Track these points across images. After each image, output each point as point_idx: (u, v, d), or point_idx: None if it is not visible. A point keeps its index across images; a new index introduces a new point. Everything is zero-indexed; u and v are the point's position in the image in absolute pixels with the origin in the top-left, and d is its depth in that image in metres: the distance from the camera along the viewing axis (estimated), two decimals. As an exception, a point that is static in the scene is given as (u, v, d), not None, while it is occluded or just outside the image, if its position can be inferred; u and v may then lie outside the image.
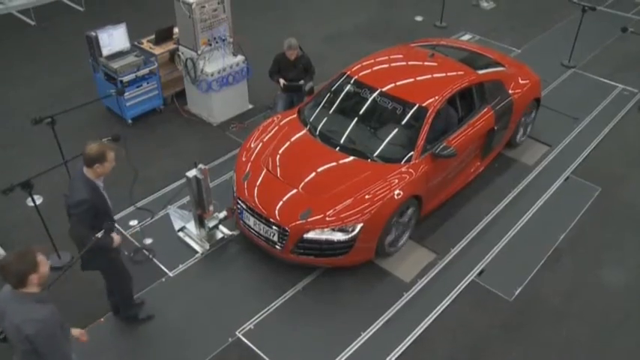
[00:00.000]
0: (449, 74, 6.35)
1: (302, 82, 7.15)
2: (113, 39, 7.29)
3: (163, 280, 5.48)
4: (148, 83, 7.57)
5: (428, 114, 5.80)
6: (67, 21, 10.70)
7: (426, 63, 6.60)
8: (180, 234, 5.99)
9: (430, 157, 5.70)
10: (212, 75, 7.38)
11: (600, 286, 5.49)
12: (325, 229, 5.21)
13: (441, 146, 5.70)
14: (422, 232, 6.01)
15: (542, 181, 6.77)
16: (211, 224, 5.73)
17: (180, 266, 5.61)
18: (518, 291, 5.39)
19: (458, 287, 5.43)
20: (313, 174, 5.60)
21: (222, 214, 5.82)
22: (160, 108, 7.97)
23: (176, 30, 7.79)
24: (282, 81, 7.18)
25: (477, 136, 6.24)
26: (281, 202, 5.40)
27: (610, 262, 5.75)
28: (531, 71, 7.29)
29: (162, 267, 5.60)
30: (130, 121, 7.67)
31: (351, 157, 5.70)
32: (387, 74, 6.44)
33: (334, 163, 5.70)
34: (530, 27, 10.60)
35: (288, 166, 5.74)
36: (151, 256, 5.69)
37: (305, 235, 5.22)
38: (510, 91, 6.75)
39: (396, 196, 5.31)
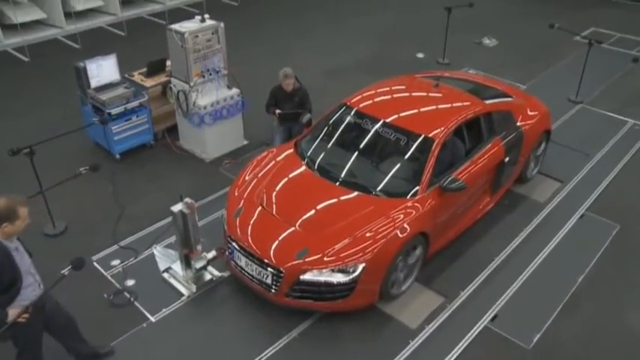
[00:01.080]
0: (455, 104, 6.01)
1: (300, 110, 6.80)
2: (102, 70, 6.99)
3: (144, 325, 4.96)
4: (137, 117, 7.22)
5: (434, 145, 5.41)
6: (62, 57, 10.49)
7: (430, 94, 6.27)
8: (165, 275, 5.50)
9: (437, 191, 5.28)
10: (205, 108, 7.04)
11: (624, 330, 4.97)
12: (323, 270, 4.73)
13: (449, 179, 5.28)
14: (428, 273, 5.52)
15: (556, 218, 6.33)
16: (199, 265, 5.25)
17: (164, 310, 5.10)
18: (536, 338, 4.86)
19: (470, 334, 4.90)
20: (311, 211, 5.16)
21: (211, 254, 5.35)
22: (151, 143, 7.60)
23: (169, 63, 7.52)
24: (277, 111, 6.84)
25: (486, 170, 5.83)
26: (276, 241, 4.95)
27: (634, 304, 5.24)
28: (540, 102, 6.96)
29: (144, 311, 5.09)
30: (117, 156, 7.28)
31: (353, 192, 5.28)
32: (389, 104, 6.10)
33: (334, 199, 5.28)
34: (535, 63, 10.37)
35: (284, 202, 5.32)
36: (132, 299, 5.19)
37: (301, 277, 4.74)
38: (520, 123, 6.39)
39: (401, 234, 4.86)
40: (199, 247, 5.27)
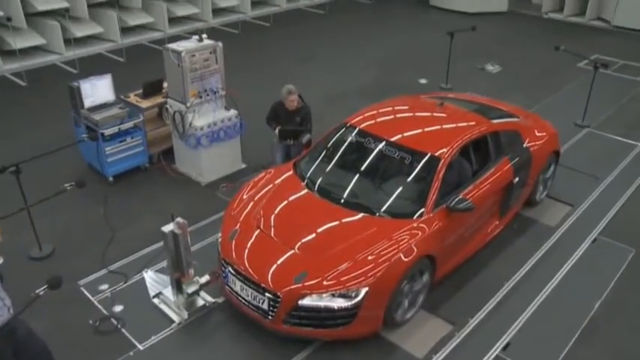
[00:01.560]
0: (460, 124, 5.79)
1: (302, 128, 6.58)
2: (97, 90, 6.81)
3: (131, 354, 4.61)
4: (132, 138, 7.00)
5: (440, 164, 5.17)
6: (59, 81, 10.33)
7: (434, 113, 6.05)
8: (156, 300, 5.18)
9: (444, 212, 5.01)
10: (202, 129, 6.83)
11: (649, 362, 4.64)
12: (324, 295, 4.42)
13: (457, 199, 5.01)
14: (435, 299, 5.19)
15: (568, 242, 6.04)
16: (190, 290, 4.93)
17: (153, 338, 4.76)
18: (553, 368, 4.53)
19: (481, 364, 4.57)
20: (311, 233, 4.88)
21: (204, 279, 5.04)
22: (145, 166, 7.36)
23: (166, 84, 7.35)
24: (278, 128, 6.60)
25: (494, 191, 5.57)
26: (273, 264, 4.65)
27: (656, 333, 4.91)
28: (548, 123, 6.75)
29: (132, 338, 4.75)
30: (111, 179, 7.03)
31: (355, 213, 5.00)
32: (392, 124, 5.89)
33: (335, 220, 5.00)
34: (539, 89, 10.22)
35: (283, 223, 5.04)
36: (119, 326, 4.86)
37: (300, 302, 4.43)
38: (528, 144, 6.16)
39: (406, 257, 4.57)
40: (192, 271, 4.97)
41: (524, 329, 4.90)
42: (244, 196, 5.44)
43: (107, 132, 6.71)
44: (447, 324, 4.97)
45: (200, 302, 5.10)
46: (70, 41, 11.59)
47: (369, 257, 4.55)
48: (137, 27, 12.80)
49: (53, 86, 10.14)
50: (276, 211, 5.16)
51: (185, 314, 4.97)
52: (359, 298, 4.42)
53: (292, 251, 4.72)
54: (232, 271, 4.79)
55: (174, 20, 13.29)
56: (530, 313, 5.07)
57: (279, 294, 4.45)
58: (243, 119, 7.23)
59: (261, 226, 4.99)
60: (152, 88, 7.38)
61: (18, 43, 10.78)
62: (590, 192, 6.92)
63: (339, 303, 4.42)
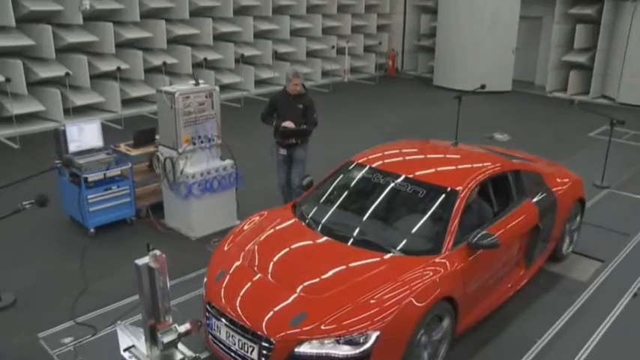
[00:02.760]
0: (477, 162, 5.25)
1: (304, 126, 6.25)
2: (84, 135, 6.37)
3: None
4: (118, 187, 6.47)
5: (459, 198, 4.59)
6: (53, 145, 9.99)
7: (448, 154, 5.56)
8: (126, 354, 4.36)
9: (465, 250, 4.36)
10: (193, 177, 6.30)
11: None
12: (325, 341, 3.67)
13: (480, 234, 4.36)
14: (457, 357, 4.40)
15: (604, 298, 5.30)
16: (167, 339, 4.11)
17: (118, 400, 3.95)
18: None
19: None
20: (313, 272, 4.20)
21: (184, 327, 4.22)
22: (131, 219, 6.75)
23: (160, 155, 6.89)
24: (283, 124, 6.27)
25: (519, 233, 4.94)
26: (265, 306, 3.95)
27: None
28: (570, 171, 6.22)
29: (92, 399, 3.95)
30: (92, 230, 6.40)
31: (364, 251, 4.35)
32: (404, 161, 5.43)
33: (341, 260, 4.33)
34: (551, 156, 9.62)
35: (280, 263, 4.38)
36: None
37: (296, 350, 3.67)
38: (551, 187, 5.60)
39: (424, 296, 3.88)
40: (169, 318, 4.22)
41: (567, 392, 4.07)
42: (236, 237, 4.81)
43: (91, 177, 6.19)
44: (473, 386, 4.16)
45: (178, 356, 4.29)
46: (69, 110, 11.41)
47: (382, 297, 3.84)
48: (138, 99, 12.71)
49: (45, 150, 9.77)
50: (272, 251, 4.51)
51: (159, 371, 4.15)
52: (369, 344, 3.66)
53: (289, 292, 4.02)
54: (217, 316, 4.06)
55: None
56: (570, 373, 4.26)
57: (271, 339, 3.70)
58: (240, 171, 6.73)
59: (255, 267, 4.33)
60: (144, 138, 6.94)
61: (17, 109, 10.57)
62: (621, 248, 6.25)
63: (344, 351, 3.66)
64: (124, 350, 4.39)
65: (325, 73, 16.25)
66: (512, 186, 5.20)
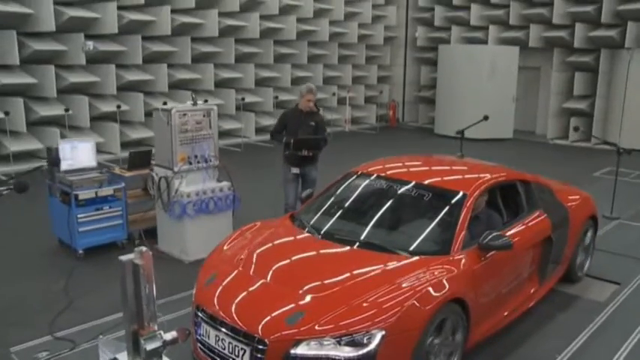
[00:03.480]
0: (484, 172, 5.02)
1: (320, 136, 6.17)
2: (77, 153, 6.18)
3: None
4: (110, 207, 6.21)
5: (467, 200, 4.36)
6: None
7: (454, 166, 5.37)
8: (106, 368, 4.00)
9: (477, 252, 4.06)
10: (188, 196, 6.06)
11: None
12: (325, 340, 3.32)
13: (492, 235, 4.08)
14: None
15: (625, 317, 4.94)
16: (150, 346, 3.73)
17: (92, 410, 3.54)
18: None
19: None
20: (313, 273, 3.94)
21: (170, 335, 3.85)
22: (123, 242, 6.45)
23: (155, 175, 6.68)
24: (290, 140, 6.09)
25: (531, 241, 4.66)
26: (257, 305, 3.63)
27: None
28: (579, 189, 5.99)
29: (63, 412, 3.54)
30: (80, 252, 6.09)
31: (369, 253, 4.09)
32: (410, 171, 5.19)
33: (344, 260, 4.08)
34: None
35: (278, 265, 4.08)
36: (48, 396, 3.66)
37: (292, 351, 3.32)
38: (562, 201, 5.36)
39: (434, 292, 3.56)
40: (154, 326, 3.87)
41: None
42: (230, 243, 4.52)
43: (82, 195, 5.94)
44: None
45: (163, 368, 3.91)
46: (67, 150, 11.28)
47: (387, 295, 3.53)
48: (138, 141, 12.63)
49: (40, 186, 9.58)
50: (269, 255, 4.24)
51: (141, 382, 3.76)
52: (373, 345, 3.31)
53: (285, 292, 3.73)
54: (206, 319, 3.72)
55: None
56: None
57: (265, 340, 3.35)
58: (237, 193, 6.49)
59: (250, 270, 4.02)
60: (139, 160, 6.74)
61: (15, 146, 10.47)
62: (638, 271, 5.92)
63: (345, 353, 3.31)
64: (104, 363, 4.01)
65: (326, 123, 16.26)
66: (523, 196, 4.97)
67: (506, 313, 4.41)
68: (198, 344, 3.81)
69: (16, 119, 10.45)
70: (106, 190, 6.15)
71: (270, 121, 14.82)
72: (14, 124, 10.47)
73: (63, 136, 11.17)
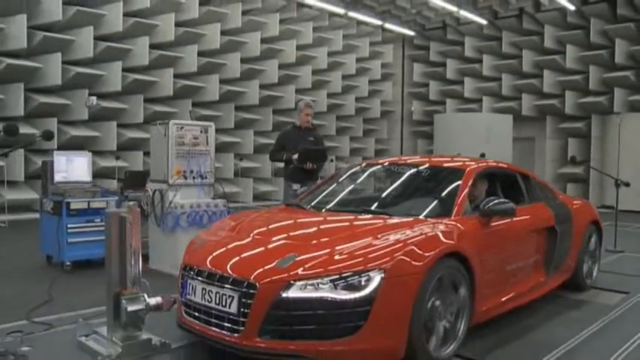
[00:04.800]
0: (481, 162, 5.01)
1: (323, 147, 6.24)
2: (72, 166, 6.14)
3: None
4: (101, 220, 6.03)
5: (466, 173, 4.33)
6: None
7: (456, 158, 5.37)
8: (83, 339, 3.70)
9: (479, 219, 3.96)
10: (182, 207, 5.95)
11: None
12: (319, 283, 3.11)
13: (493, 201, 3.99)
14: (478, 336, 3.74)
15: (634, 317, 4.66)
16: (132, 307, 3.52)
17: (63, 370, 3.25)
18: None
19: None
20: (311, 228, 3.86)
21: (155, 301, 3.66)
22: (112, 260, 6.22)
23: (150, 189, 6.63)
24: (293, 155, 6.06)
25: (534, 223, 4.57)
26: (248, 255, 3.45)
27: None
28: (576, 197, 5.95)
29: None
30: (67, 264, 5.85)
31: (367, 217, 4.03)
32: (410, 160, 5.21)
33: (343, 223, 3.99)
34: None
35: (272, 227, 4.01)
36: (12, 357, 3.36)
37: (284, 294, 3.09)
38: (564, 201, 5.30)
39: (433, 244, 3.42)
40: (138, 290, 3.65)
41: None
42: (219, 222, 4.41)
43: (74, 204, 5.82)
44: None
45: (143, 337, 3.62)
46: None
47: (386, 240, 3.40)
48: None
49: (34, 224, 9.46)
50: (265, 222, 4.15)
51: (118, 348, 3.47)
52: (371, 287, 3.10)
53: (279, 241, 3.61)
54: (193, 275, 3.50)
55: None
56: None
57: (253, 283, 3.14)
58: (232, 211, 6.38)
59: (242, 232, 3.89)
60: (135, 179, 6.73)
61: (10, 195, 10.42)
62: (646, 284, 5.68)
63: (341, 296, 3.09)
64: (81, 335, 3.76)
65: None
66: (524, 189, 4.92)
67: (512, 295, 4.17)
68: (184, 308, 3.56)
69: (15, 169, 10.48)
70: (99, 203, 6.04)
71: (267, 188, 14.89)
72: (12, 174, 10.48)
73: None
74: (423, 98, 17.80)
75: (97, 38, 11.20)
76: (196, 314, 3.42)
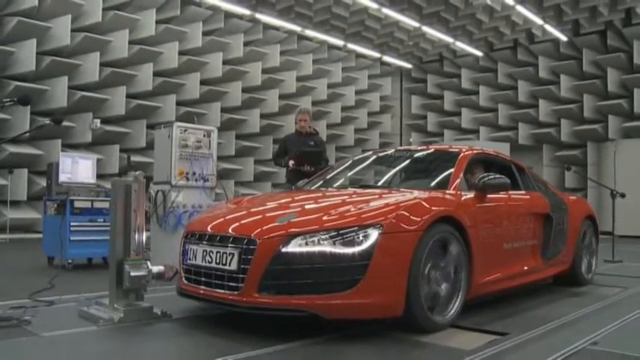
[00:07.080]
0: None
1: (320, 149, 6.31)
2: (77, 168, 6.28)
3: (24, 339, 3.10)
4: (105, 220, 6.12)
5: (460, 157, 4.44)
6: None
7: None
8: (85, 308, 3.74)
9: (474, 195, 4.08)
10: (184, 206, 6.03)
11: None
12: (319, 236, 3.18)
13: (489, 176, 4.09)
14: (478, 314, 3.77)
15: (631, 301, 4.70)
16: (135, 272, 3.59)
17: (63, 331, 3.27)
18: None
19: None
20: (311, 199, 3.97)
21: (157, 268, 3.73)
22: (113, 261, 6.26)
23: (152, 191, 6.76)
24: (291, 162, 6.12)
25: (529, 206, 4.68)
26: (249, 220, 3.54)
27: None
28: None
29: (34, 331, 3.26)
30: (69, 262, 5.89)
31: (368, 190, 4.21)
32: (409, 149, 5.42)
33: (343, 195, 4.10)
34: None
35: (274, 202, 4.07)
36: (22, 319, 3.39)
37: (283, 249, 3.17)
38: (560, 196, 5.43)
39: (429, 205, 3.52)
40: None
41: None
42: (220, 203, 4.54)
43: (78, 203, 5.92)
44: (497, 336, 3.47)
45: (145, 305, 3.66)
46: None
47: (382, 202, 3.53)
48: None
49: (37, 244, 9.49)
50: (264, 198, 4.46)
51: (120, 313, 3.51)
52: (369, 243, 3.17)
53: (278, 209, 3.71)
54: (195, 240, 3.58)
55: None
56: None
57: (254, 238, 3.22)
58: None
59: (244, 204, 4.03)
60: (137, 184, 6.79)
61: (13, 214, 10.49)
62: (642, 281, 5.72)
63: (340, 251, 3.16)
64: (83, 307, 3.81)
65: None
66: (519, 179, 5.03)
67: (509, 273, 4.22)
68: (184, 275, 3.62)
69: (18, 189, 10.59)
70: (103, 203, 6.13)
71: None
72: (15, 193, 10.59)
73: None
74: (421, 130, 18.08)
75: (103, 64, 11.52)
76: (196, 277, 3.48)
